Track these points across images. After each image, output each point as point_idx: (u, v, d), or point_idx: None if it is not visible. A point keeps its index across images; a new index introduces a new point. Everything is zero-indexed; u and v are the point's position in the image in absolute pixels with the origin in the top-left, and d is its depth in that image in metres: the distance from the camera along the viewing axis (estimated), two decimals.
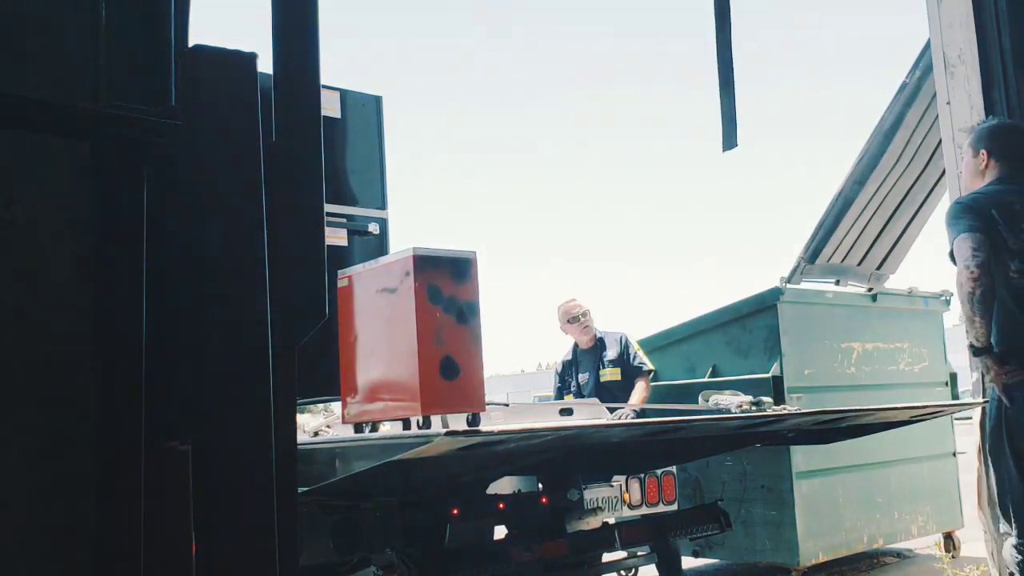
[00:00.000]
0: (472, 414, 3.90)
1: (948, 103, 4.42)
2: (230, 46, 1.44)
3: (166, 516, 1.33)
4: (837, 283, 7.37)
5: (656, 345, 7.24)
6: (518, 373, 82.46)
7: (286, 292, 1.42)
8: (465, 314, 3.81)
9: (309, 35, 1.53)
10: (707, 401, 5.36)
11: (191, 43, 1.50)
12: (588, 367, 6.90)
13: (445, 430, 3.42)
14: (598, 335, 6.92)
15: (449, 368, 3.73)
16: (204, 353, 1.30)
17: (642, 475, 5.54)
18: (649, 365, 6.69)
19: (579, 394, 6.85)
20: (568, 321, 6.94)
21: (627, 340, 6.83)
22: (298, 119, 1.51)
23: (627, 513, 5.35)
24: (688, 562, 7.30)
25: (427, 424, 3.73)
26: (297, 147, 1.49)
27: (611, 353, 6.83)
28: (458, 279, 3.81)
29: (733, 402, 5.05)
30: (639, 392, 6.51)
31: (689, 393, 6.76)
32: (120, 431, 1.31)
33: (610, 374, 6.76)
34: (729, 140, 2.92)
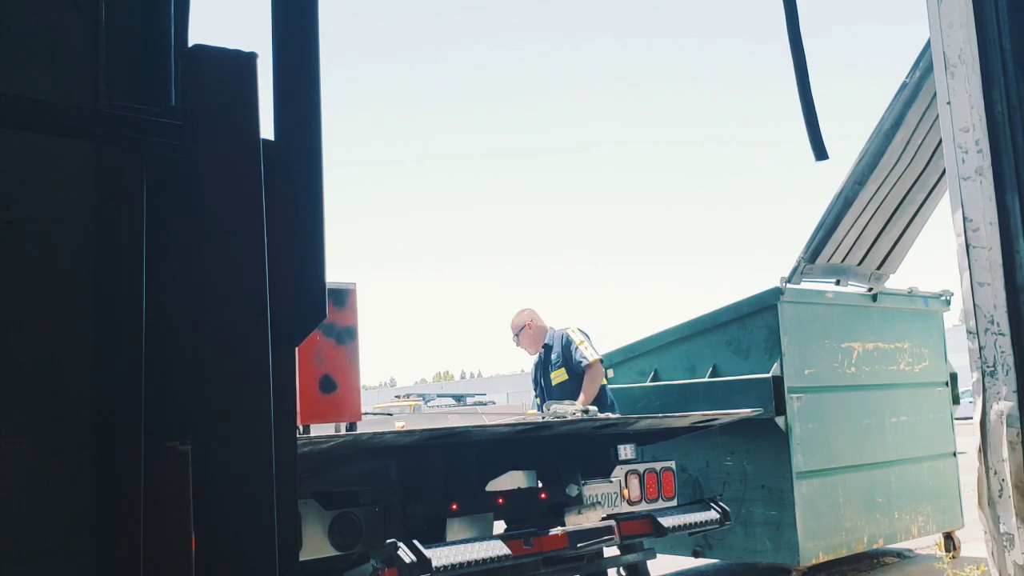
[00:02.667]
0: (349, 423, 4.51)
1: (948, 103, 4.42)
2: (230, 46, 1.44)
3: (166, 516, 1.33)
4: (837, 283, 7.37)
5: (656, 345, 7.25)
6: (518, 373, 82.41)
7: (286, 292, 1.42)
8: (343, 337, 4.49)
9: (309, 35, 1.53)
10: (548, 409, 5.83)
11: (191, 43, 1.50)
12: (547, 369, 7.01)
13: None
14: (548, 338, 6.99)
15: (327, 384, 4.37)
16: (204, 353, 1.30)
17: (642, 471, 5.58)
18: (590, 358, 6.65)
19: (544, 395, 6.94)
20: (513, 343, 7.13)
21: (567, 337, 6.83)
22: (298, 119, 1.51)
23: (626, 509, 5.37)
24: (688, 562, 7.31)
25: (307, 431, 4.27)
26: (297, 147, 1.49)
27: (555, 354, 6.90)
28: (338, 306, 4.50)
29: (568, 410, 5.60)
30: (583, 389, 6.52)
31: (690, 393, 6.76)
32: (120, 431, 1.32)
33: (556, 376, 6.85)
34: (819, 151, 2.91)
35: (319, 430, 4.53)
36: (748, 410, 5.98)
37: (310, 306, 1.44)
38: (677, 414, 5.99)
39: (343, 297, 4.60)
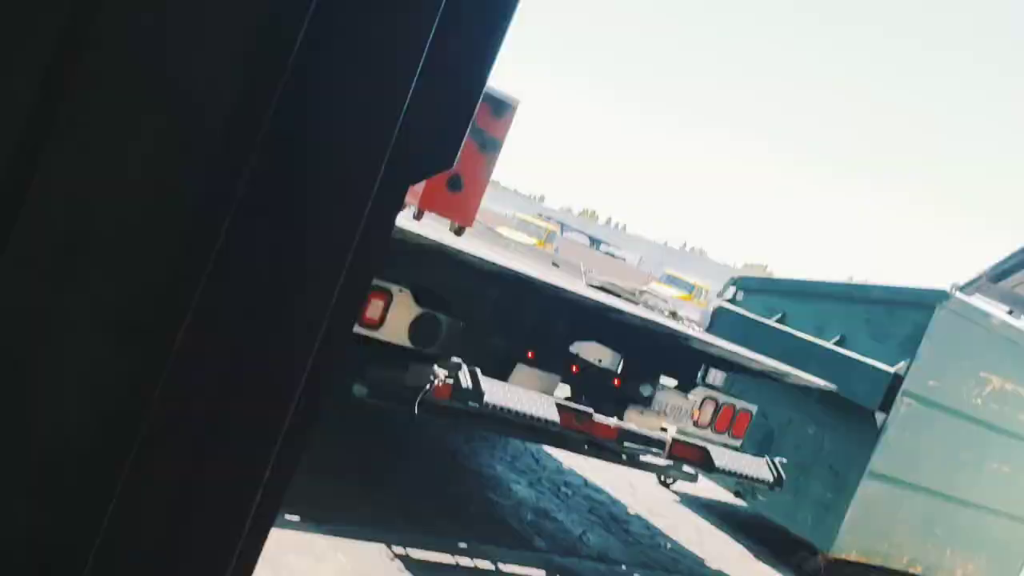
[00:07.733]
0: (460, 226, 4.73)
1: None
2: None
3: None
4: (1011, 312, 6.80)
5: (794, 289, 6.95)
6: (660, 244, 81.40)
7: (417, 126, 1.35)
8: (487, 145, 4.62)
9: None
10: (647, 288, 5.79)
11: None
12: None
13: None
14: None
15: (454, 182, 4.56)
16: None
17: (720, 401, 5.47)
18: None
19: None
20: None
21: None
22: None
23: (690, 429, 5.31)
24: (721, 494, 7.31)
25: (419, 216, 4.59)
26: None
27: None
28: (495, 115, 4.64)
29: (661, 306, 5.60)
30: None
31: (806, 352, 6.47)
32: None
33: None
34: None
35: (431, 218, 4.78)
36: (824, 382, 5.60)
37: (437, 151, 1.36)
38: (750, 354, 5.72)
39: (503, 109, 4.69)
